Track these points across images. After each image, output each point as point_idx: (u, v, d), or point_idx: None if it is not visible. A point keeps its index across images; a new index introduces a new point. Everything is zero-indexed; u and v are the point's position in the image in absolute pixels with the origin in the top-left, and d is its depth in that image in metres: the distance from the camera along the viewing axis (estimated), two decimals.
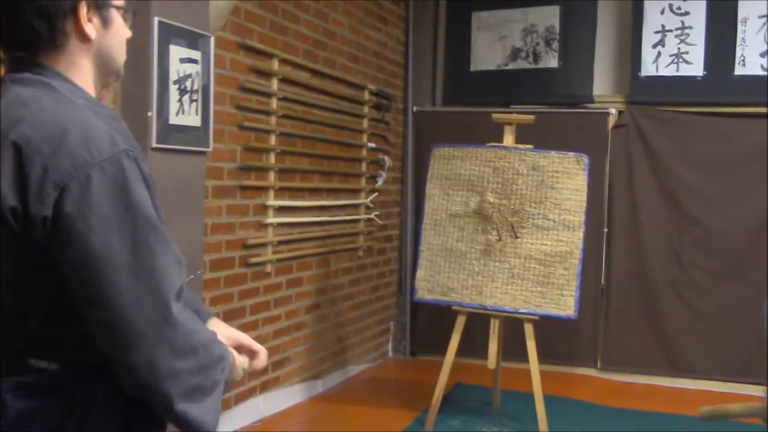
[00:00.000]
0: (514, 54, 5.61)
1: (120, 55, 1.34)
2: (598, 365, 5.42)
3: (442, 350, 5.62)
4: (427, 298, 4.24)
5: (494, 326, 4.17)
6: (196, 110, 3.16)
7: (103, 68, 1.31)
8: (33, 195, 1.10)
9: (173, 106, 3.04)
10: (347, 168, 4.98)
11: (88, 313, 1.14)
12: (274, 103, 4.07)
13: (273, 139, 4.08)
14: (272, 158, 4.08)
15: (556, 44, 5.48)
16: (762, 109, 5.06)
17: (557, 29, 5.47)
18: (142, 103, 2.91)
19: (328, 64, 4.65)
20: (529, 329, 4.05)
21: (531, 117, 4.20)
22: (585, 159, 4.11)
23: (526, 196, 4.11)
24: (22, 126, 1.14)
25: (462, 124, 5.57)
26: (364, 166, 5.18)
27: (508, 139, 4.21)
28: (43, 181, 1.10)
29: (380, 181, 5.36)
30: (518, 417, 4.32)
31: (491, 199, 4.11)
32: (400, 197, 5.80)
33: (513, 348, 4.71)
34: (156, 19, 2.89)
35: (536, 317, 4.05)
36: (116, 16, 1.30)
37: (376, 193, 5.29)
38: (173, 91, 3.03)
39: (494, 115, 4.25)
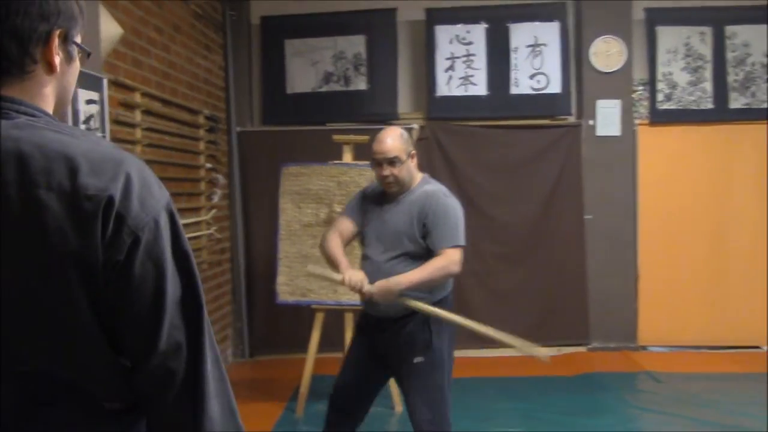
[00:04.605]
0: (327, 78, 6.28)
1: (72, 91, 1.27)
2: None
3: (279, 349, 6.18)
4: (288, 300, 4.78)
5: (348, 319, 4.81)
6: None
7: (59, 103, 1.22)
8: (108, 240, 1.06)
9: None
10: (191, 188, 5.36)
11: (134, 341, 1.11)
12: (139, 133, 4.38)
13: None
14: None
15: (363, 69, 6.24)
16: (532, 122, 6.22)
17: (364, 56, 6.23)
18: None
19: (173, 93, 5.00)
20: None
21: (365, 137, 4.88)
22: None
23: None
24: (77, 172, 1.05)
25: (282, 141, 6.15)
26: (202, 185, 5.57)
27: (347, 157, 4.87)
28: (119, 226, 1.06)
29: (216, 198, 5.77)
30: None
31: (338, 210, 4.74)
32: (230, 211, 6.23)
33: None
34: None
35: None
36: (76, 54, 1.24)
37: (215, 210, 5.70)
38: None
39: (335, 137, 4.89)
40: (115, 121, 4.09)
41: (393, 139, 3.15)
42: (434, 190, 3.16)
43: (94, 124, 3.41)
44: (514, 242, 6.28)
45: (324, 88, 6.29)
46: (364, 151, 5.09)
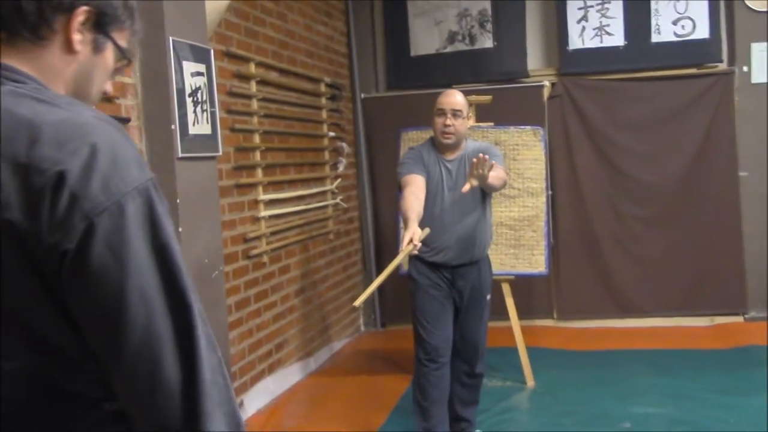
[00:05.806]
0: (451, 37, 6.01)
1: (98, 87, 1.11)
2: (555, 315, 5.96)
3: (410, 319, 6.02)
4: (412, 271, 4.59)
5: None
6: (207, 119, 3.41)
7: (78, 92, 1.07)
8: (56, 223, 0.89)
9: (190, 117, 3.28)
10: (314, 158, 5.29)
11: (95, 346, 0.95)
12: (254, 104, 4.33)
13: (257, 138, 4.35)
14: (258, 156, 4.35)
15: (489, 26, 5.91)
16: (677, 72, 5.68)
17: (489, 12, 5.91)
18: (164, 117, 3.15)
19: (291, 62, 4.93)
20: (506, 288, 4.50)
21: (489, 97, 4.60)
22: (541, 131, 4.57)
23: None
24: (37, 142, 0.91)
25: (406, 106, 5.93)
26: (326, 155, 5.49)
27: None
28: (71, 208, 0.89)
29: (341, 167, 5.69)
30: (499, 368, 4.78)
31: None
32: (356, 180, 6.14)
33: None
34: (170, 39, 3.12)
35: (512, 277, 4.50)
36: (109, 51, 1.09)
37: (340, 179, 5.61)
38: (189, 104, 3.28)
39: None
40: (229, 93, 4.05)
41: (460, 96, 3.55)
42: (482, 142, 3.78)
43: (202, 96, 3.36)
44: (659, 204, 5.80)
45: (449, 49, 6.03)
46: (488, 112, 4.84)
